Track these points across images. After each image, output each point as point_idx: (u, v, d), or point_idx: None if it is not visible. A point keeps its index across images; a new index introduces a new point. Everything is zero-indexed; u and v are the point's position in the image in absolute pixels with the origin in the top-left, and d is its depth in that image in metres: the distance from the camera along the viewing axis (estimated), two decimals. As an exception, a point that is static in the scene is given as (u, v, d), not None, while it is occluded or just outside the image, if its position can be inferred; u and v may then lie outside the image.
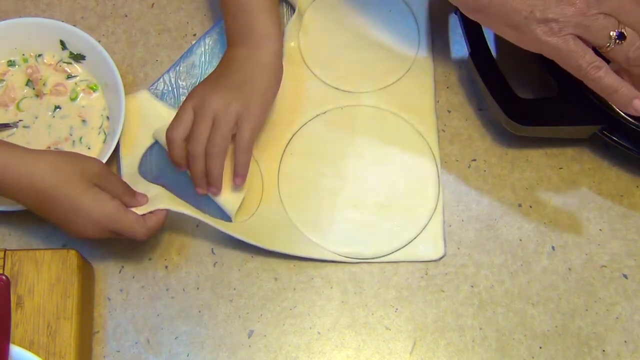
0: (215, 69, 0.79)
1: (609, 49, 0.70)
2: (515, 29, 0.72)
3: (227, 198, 0.77)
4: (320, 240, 0.78)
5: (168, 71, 0.84)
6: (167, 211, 0.74)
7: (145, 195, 0.74)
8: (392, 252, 0.78)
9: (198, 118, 0.74)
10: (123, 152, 0.80)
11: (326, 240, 0.78)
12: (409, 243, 0.78)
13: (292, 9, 0.87)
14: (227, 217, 0.78)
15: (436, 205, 0.80)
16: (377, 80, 0.85)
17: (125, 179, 0.78)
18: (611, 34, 0.70)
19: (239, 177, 0.76)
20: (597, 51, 0.72)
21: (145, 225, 0.72)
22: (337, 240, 0.78)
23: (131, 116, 0.80)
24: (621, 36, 0.70)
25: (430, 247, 0.78)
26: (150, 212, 0.73)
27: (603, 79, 0.71)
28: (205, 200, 0.77)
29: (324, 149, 0.82)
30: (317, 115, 0.83)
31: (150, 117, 0.81)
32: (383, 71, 0.85)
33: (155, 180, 0.78)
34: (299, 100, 0.84)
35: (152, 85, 0.83)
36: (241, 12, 0.78)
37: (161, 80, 0.84)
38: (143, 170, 0.80)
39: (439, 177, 0.81)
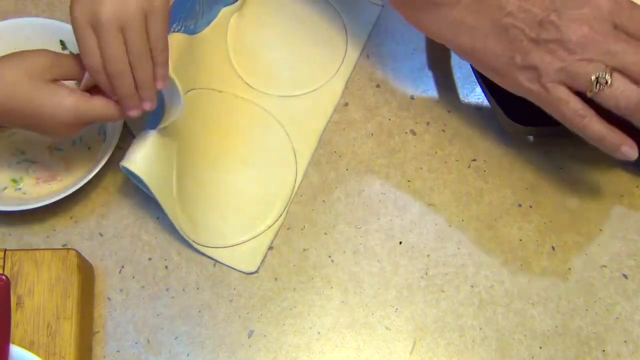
0: None
1: (593, 94, 0.67)
2: (499, 75, 0.72)
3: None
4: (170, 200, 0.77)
5: None
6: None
7: None
8: (211, 247, 0.77)
9: (104, 33, 0.64)
10: None
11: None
12: (229, 247, 0.78)
13: None
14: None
15: (273, 224, 0.79)
16: (281, 88, 0.84)
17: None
18: (592, 78, 0.67)
19: (161, 79, 0.68)
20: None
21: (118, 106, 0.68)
22: (180, 211, 0.77)
23: None
24: (603, 80, 0.67)
25: (245, 258, 0.77)
26: None
27: (588, 127, 0.69)
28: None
29: (202, 121, 0.79)
30: (213, 89, 0.83)
31: None
32: (291, 82, 0.85)
33: None
34: (202, 65, 0.83)
35: None
36: None
37: None
38: None
39: (290, 199, 0.80)
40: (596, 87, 0.67)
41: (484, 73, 0.74)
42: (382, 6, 0.89)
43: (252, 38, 0.87)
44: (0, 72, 0.66)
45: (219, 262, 0.78)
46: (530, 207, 0.81)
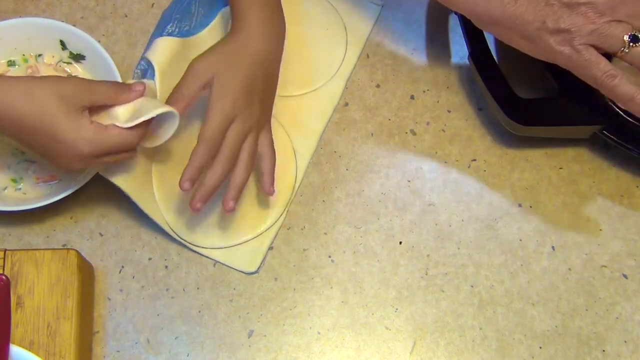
0: (238, 67, 0.74)
1: (624, 53, 0.70)
2: (529, 40, 0.73)
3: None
4: (164, 208, 0.77)
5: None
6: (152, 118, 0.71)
7: (142, 83, 0.72)
8: (211, 248, 0.78)
9: (238, 125, 0.73)
10: None
11: (167, 210, 0.78)
12: (230, 247, 0.78)
13: None
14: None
15: (273, 224, 0.79)
16: (281, 88, 0.83)
17: None
18: (625, 38, 0.70)
19: (272, 185, 0.77)
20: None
21: (133, 132, 0.70)
22: (174, 215, 0.77)
23: None
24: (635, 39, 0.69)
25: (246, 258, 0.78)
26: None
27: (618, 87, 0.71)
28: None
29: (201, 123, 0.77)
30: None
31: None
32: (291, 82, 0.84)
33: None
34: None
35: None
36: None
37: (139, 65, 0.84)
38: None
39: (290, 199, 0.80)
40: (628, 46, 0.70)
41: (511, 42, 0.75)
42: (382, 6, 0.89)
43: None
44: (32, 90, 0.66)
45: (219, 262, 0.78)
46: (530, 207, 0.81)
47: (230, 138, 0.73)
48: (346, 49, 0.87)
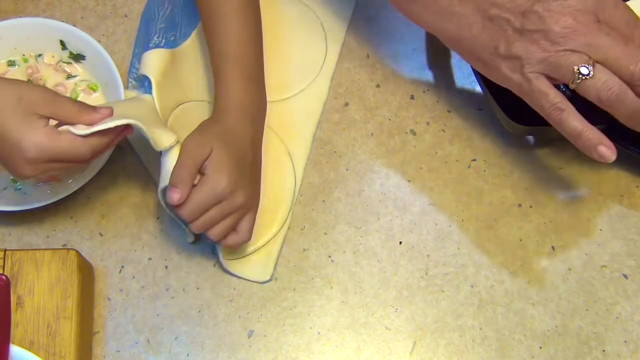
0: (228, 147, 0.72)
1: (576, 84, 0.67)
2: (483, 64, 0.72)
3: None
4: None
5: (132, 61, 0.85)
6: (113, 129, 0.68)
7: (109, 107, 0.68)
8: (223, 259, 0.77)
9: (225, 207, 0.70)
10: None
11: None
12: (238, 258, 0.77)
13: None
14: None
15: (279, 230, 0.79)
16: (267, 93, 0.82)
17: None
18: (576, 69, 0.66)
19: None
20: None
21: (86, 142, 0.66)
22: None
23: None
24: (585, 71, 0.66)
25: (258, 267, 0.77)
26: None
27: (565, 121, 0.68)
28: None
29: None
30: (202, 100, 0.83)
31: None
32: (276, 86, 0.84)
33: None
34: (191, 78, 0.82)
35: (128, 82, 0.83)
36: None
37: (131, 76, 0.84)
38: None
39: (292, 202, 0.80)
40: (578, 78, 0.67)
41: (469, 62, 0.75)
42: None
43: None
44: None
45: (235, 275, 0.77)
46: (530, 207, 0.81)
47: (209, 219, 0.70)
48: (326, 46, 0.87)
